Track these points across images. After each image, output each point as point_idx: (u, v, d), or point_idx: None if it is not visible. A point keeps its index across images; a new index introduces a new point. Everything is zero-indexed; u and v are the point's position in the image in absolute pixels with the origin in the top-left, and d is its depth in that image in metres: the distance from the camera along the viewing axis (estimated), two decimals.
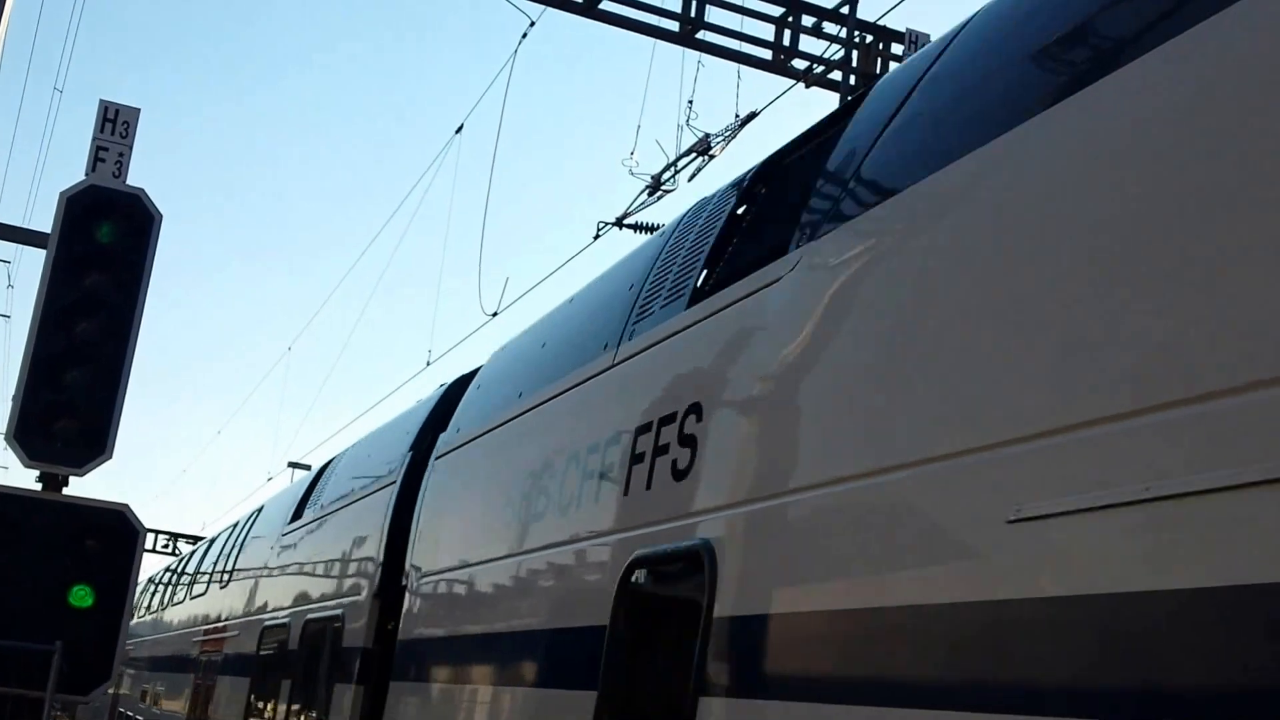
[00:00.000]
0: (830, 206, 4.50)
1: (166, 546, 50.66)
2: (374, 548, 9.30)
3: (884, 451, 3.67)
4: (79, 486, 8.81)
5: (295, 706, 10.57)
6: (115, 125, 9.02)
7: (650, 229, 14.70)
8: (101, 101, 8.99)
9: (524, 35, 14.80)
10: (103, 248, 8.77)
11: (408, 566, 8.39)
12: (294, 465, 32.76)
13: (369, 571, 9.30)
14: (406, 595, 8.28)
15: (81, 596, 8.35)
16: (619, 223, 14.88)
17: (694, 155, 15.30)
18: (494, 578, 6.89)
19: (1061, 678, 2.79)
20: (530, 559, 6.39)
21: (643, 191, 15.27)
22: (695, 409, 4.94)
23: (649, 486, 5.14)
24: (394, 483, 9.41)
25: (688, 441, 4.91)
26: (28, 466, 8.58)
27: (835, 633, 3.70)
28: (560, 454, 6.36)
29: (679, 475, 4.92)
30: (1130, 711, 2.59)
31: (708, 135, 15.29)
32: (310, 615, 10.69)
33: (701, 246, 5.66)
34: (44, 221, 8.82)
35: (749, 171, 5.77)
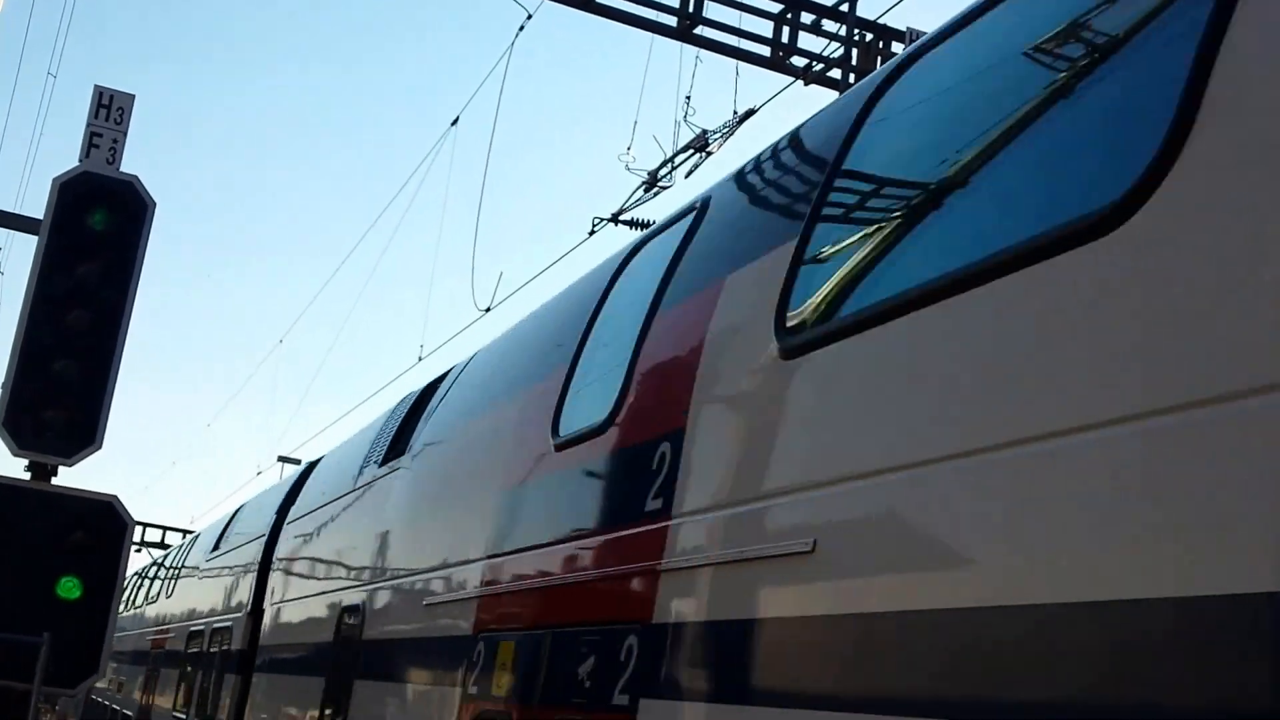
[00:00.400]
0: (412, 440, 8.82)
1: (155, 540, 50.18)
2: (251, 580, 13.21)
3: (411, 565, 7.84)
4: (68, 477, 8.68)
5: (205, 689, 14.44)
6: (110, 111, 8.89)
7: (646, 225, 14.60)
8: (96, 87, 8.86)
9: (521, 28, 14.70)
10: (95, 235, 8.64)
11: (265, 595, 12.61)
12: (284, 460, 32.54)
13: (247, 597, 13.16)
14: (263, 615, 12.41)
15: (69, 588, 8.23)
16: (615, 219, 14.80)
17: (691, 151, 15.23)
18: (293, 609, 11.21)
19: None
20: (306, 600, 10.67)
21: (639, 188, 15.19)
22: (367, 526, 9.22)
23: (349, 567, 9.47)
24: (263, 535, 13.34)
25: (361, 544, 9.27)
26: (16, 455, 8.44)
27: (408, 648, 7.47)
28: (328, 538, 10.68)
29: (356, 563, 9.28)
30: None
31: (705, 132, 15.22)
32: (216, 625, 14.55)
33: (394, 427, 9.65)
34: (35, 207, 8.71)
35: (416, 391, 9.92)
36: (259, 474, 35.30)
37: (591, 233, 15.26)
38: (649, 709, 4.15)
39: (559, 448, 5.66)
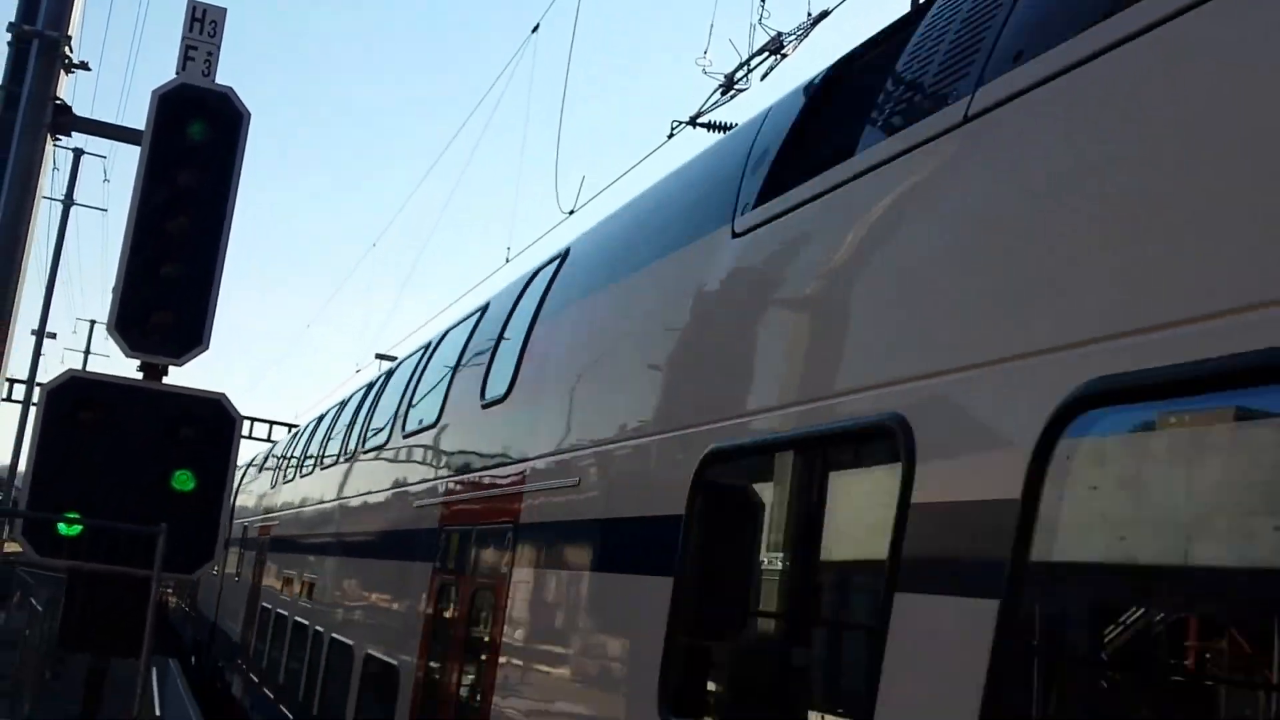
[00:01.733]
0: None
1: (262, 435, 52.74)
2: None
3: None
4: (177, 377, 9.13)
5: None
6: (203, 25, 9.19)
7: (727, 129, 14.69)
8: (189, 1, 9.15)
9: None
10: (194, 145, 8.99)
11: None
12: (381, 356, 33.22)
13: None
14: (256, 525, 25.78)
15: (184, 481, 8.70)
16: (693, 121, 14.90)
17: (766, 54, 15.22)
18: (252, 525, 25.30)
19: None
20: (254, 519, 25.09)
21: (716, 91, 15.25)
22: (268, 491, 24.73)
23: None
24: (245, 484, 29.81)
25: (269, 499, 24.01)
26: (129, 357, 8.88)
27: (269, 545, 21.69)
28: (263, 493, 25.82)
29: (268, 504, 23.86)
30: None
31: (780, 34, 15.19)
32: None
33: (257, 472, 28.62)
34: (135, 118, 9.09)
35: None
36: (358, 371, 36.20)
37: (670, 135, 15.39)
38: None
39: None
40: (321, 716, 12.77)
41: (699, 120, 14.87)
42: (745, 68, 15.40)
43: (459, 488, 9.19)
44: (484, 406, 9.12)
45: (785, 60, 15.35)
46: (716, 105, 15.32)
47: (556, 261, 8.87)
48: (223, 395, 8.96)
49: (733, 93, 15.44)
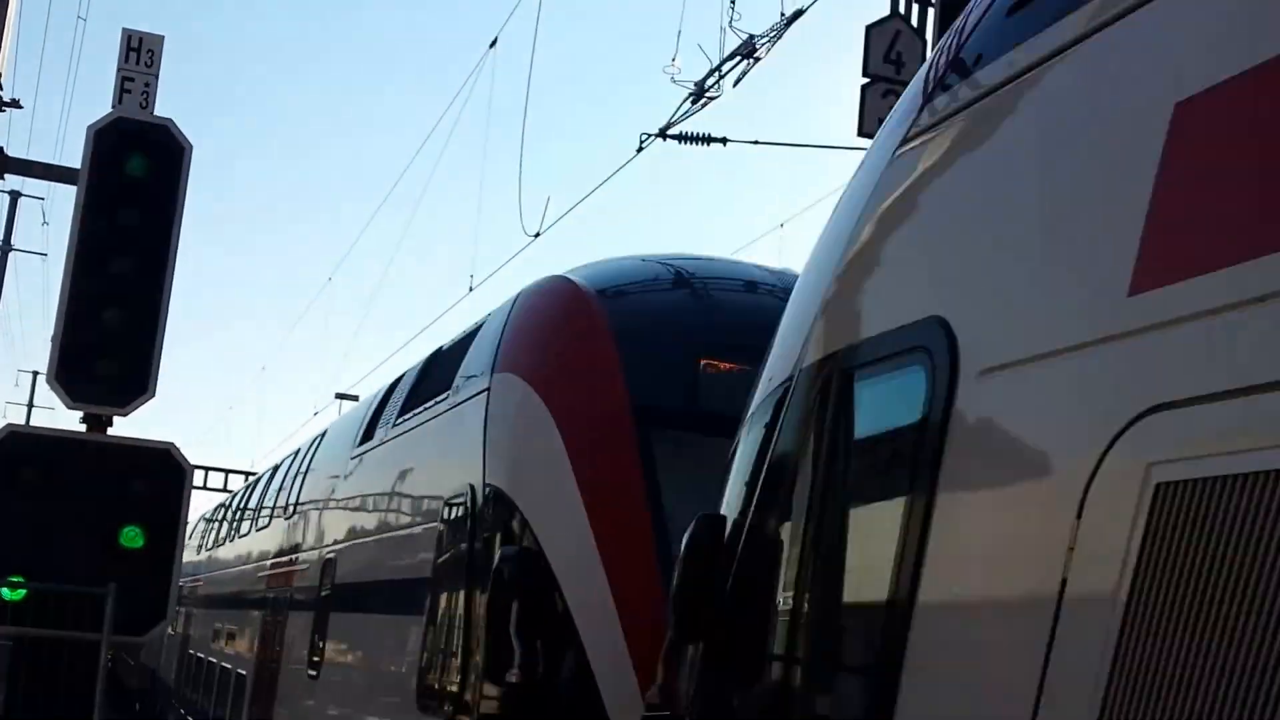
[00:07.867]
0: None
1: (218, 485, 50.61)
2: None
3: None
4: (123, 427, 8.69)
5: None
6: (140, 54, 8.75)
7: (699, 139, 14.30)
8: (124, 30, 8.71)
9: None
10: (134, 181, 8.57)
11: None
12: (341, 397, 32.46)
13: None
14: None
15: (132, 537, 8.28)
16: (663, 134, 14.48)
17: (739, 59, 14.80)
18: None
19: None
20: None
21: (686, 100, 14.82)
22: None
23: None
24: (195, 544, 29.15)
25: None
26: (71, 408, 8.46)
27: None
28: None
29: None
30: None
31: (752, 37, 14.75)
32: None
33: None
34: (74, 156, 8.68)
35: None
36: (315, 414, 35.45)
37: (639, 149, 14.96)
38: None
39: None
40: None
41: (669, 132, 14.45)
42: (717, 74, 14.99)
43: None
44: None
45: (758, 64, 14.95)
46: (687, 115, 14.91)
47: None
48: (171, 444, 8.53)
49: (704, 101, 15.03)
